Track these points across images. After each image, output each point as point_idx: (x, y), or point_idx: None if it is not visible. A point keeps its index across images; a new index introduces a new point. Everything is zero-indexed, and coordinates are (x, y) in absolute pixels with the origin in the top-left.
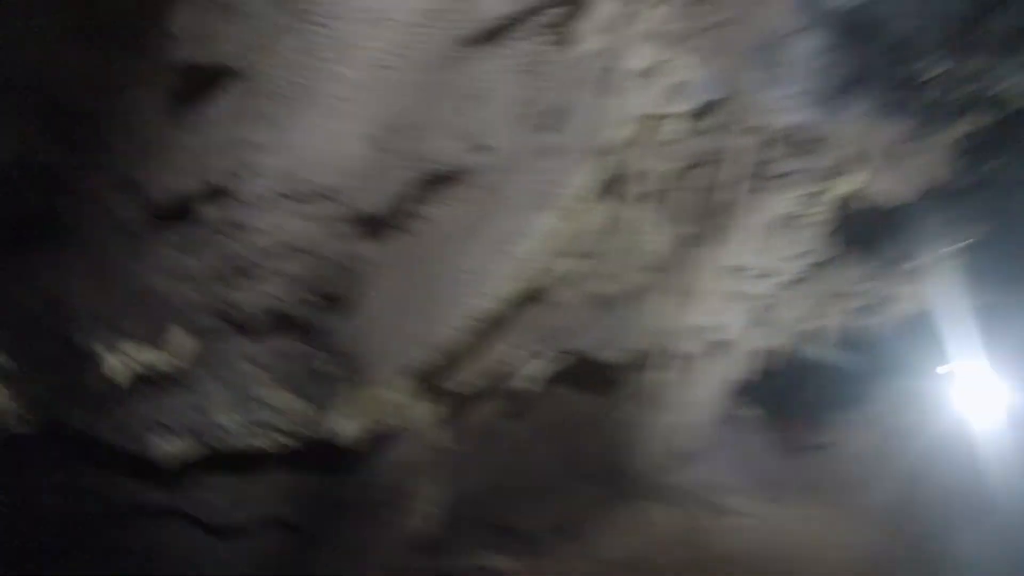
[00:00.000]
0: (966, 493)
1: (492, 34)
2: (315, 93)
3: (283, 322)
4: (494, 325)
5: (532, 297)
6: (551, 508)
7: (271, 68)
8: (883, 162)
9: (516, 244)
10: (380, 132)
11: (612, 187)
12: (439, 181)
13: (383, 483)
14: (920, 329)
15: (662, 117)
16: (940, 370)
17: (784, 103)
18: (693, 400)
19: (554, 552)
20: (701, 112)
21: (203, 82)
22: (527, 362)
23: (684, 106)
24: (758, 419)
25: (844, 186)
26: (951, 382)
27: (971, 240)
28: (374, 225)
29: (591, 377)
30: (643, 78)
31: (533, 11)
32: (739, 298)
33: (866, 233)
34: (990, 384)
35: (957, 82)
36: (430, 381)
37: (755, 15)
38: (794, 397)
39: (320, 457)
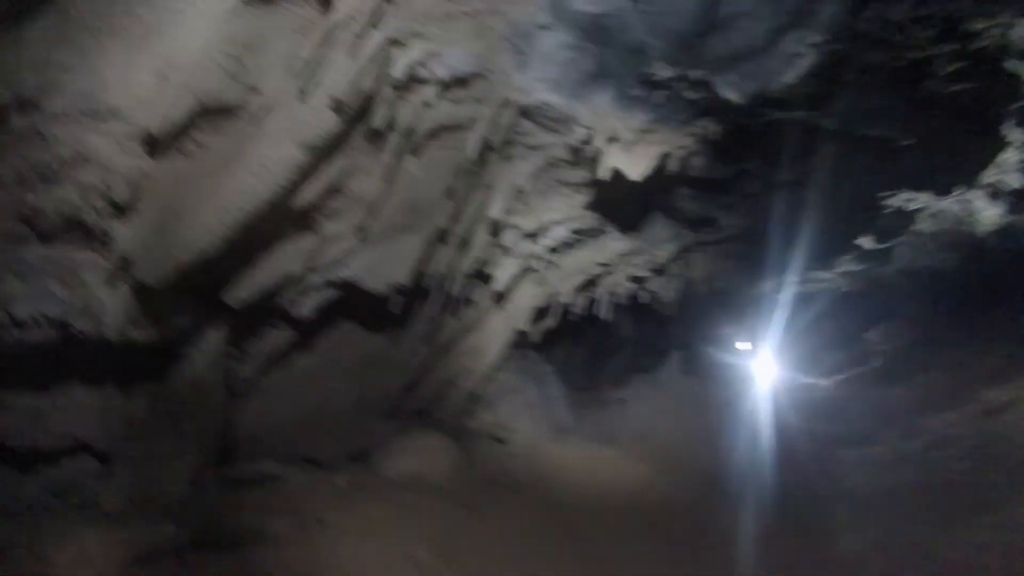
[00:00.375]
0: (731, 442)
1: None
2: (117, 28)
3: (75, 226)
4: (262, 242)
5: (297, 224)
6: (343, 438)
7: (83, 2)
8: (630, 145)
9: (277, 171)
10: (168, 68)
11: (372, 136)
12: (213, 113)
13: (179, 399)
14: (716, 303)
15: (418, 82)
16: (739, 345)
17: (534, 85)
18: (480, 346)
19: (341, 470)
20: (454, 83)
21: (22, 6)
22: (301, 287)
23: (437, 76)
24: (559, 374)
25: (598, 163)
26: (740, 354)
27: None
28: (157, 145)
29: (373, 313)
30: (396, 47)
31: None
32: (512, 254)
33: (627, 208)
34: (766, 358)
35: (684, 87)
36: (211, 295)
37: (508, 9)
38: (595, 358)
39: (119, 373)
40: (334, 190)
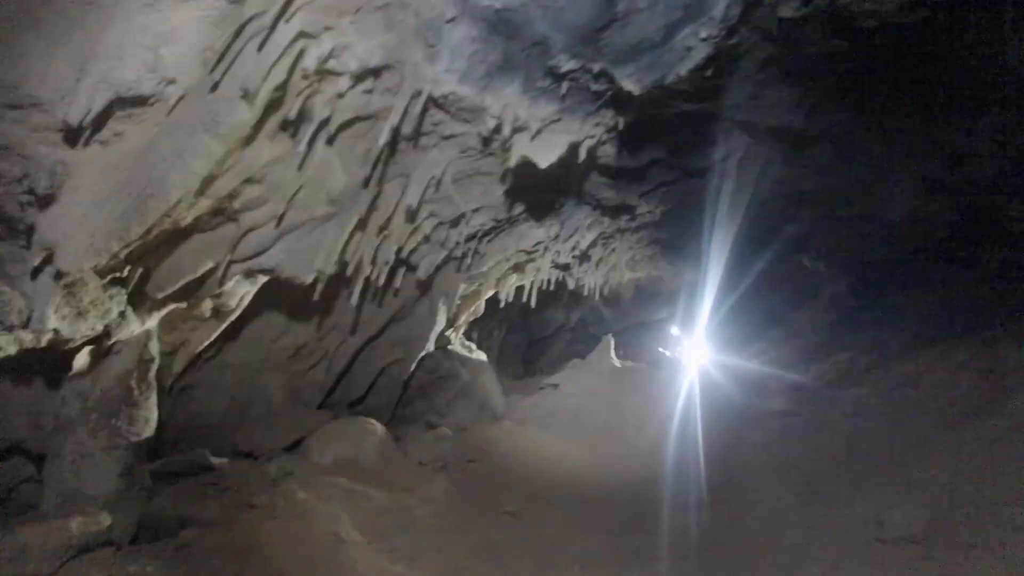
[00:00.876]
0: (663, 420)
1: None
2: (37, 22)
3: None
4: (183, 233)
5: (220, 214)
6: (276, 429)
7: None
8: (537, 134)
9: (192, 161)
10: (87, 59)
11: (287, 127)
12: (131, 103)
13: (110, 394)
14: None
15: (330, 74)
16: (671, 329)
17: (444, 76)
18: (409, 334)
19: (274, 460)
20: (366, 74)
21: None
22: (225, 276)
23: (349, 67)
24: (493, 361)
25: (507, 149)
26: (672, 337)
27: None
28: (76, 135)
29: (299, 304)
30: (308, 39)
31: None
32: (433, 242)
33: (545, 196)
34: (696, 340)
35: (588, 79)
36: (137, 287)
37: (416, 3)
38: (529, 344)
39: (48, 370)
40: (252, 180)
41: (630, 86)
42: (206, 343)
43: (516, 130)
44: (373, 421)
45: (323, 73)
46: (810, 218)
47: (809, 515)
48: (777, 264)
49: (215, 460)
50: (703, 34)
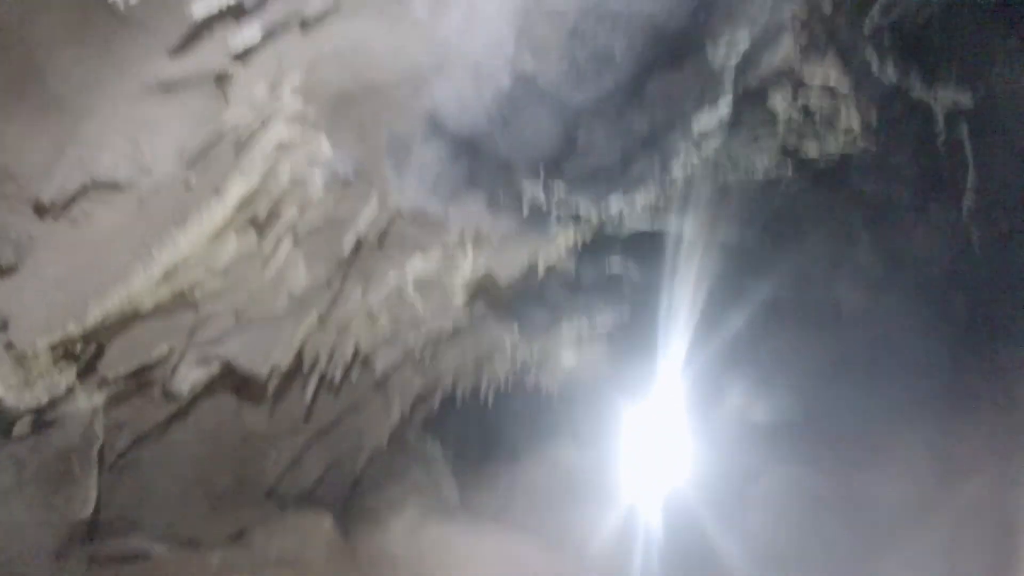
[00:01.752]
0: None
1: (167, 87)
2: (24, 95)
3: None
4: (141, 316)
5: (180, 301)
6: (221, 517)
7: None
8: (499, 249)
9: (160, 250)
10: (66, 140)
11: (256, 225)
12: (104, 187)
13: (48, 467)
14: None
15: (301, 182)
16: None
17: (411, 190)
18: (363, 428)
19: (216, 549)
20: (337, 184)
21: None
22: (179, 361)
23: (322, 177)
24: (450, 453)
25: (469, 262)
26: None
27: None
28: (46, 211)
29: (252, 392)
30: (284, 148)
31: (198, 78)
32: (392, 344)
33: (502, 303)
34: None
35: (549, 202)
36: (88, 363)
37: (390, 120)
38: (488, 436)
39: None
40: (215, 272)
41: (589, 212)
42: (154, 424)
43: (476, 243)
44: (322, 515)
45: (296, 181)
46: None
47: None
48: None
49: (153, 546)
50: (658, 164)
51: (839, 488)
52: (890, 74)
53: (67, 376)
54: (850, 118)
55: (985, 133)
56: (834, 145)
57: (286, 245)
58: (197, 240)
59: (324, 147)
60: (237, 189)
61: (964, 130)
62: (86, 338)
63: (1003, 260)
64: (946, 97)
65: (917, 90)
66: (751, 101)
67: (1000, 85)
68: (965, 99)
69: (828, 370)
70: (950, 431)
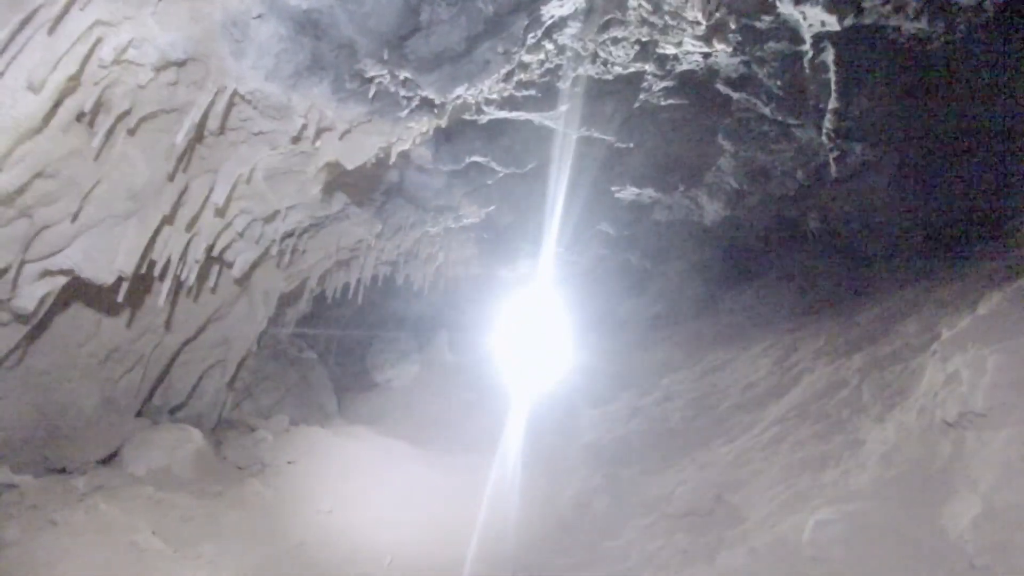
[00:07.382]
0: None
1: None
2: None
3: None
4: None
5: (8, 210)
6: (89, 440)
7: None
8: (345, 136)
9: None
10: None
11: (83, 120)
12: None
13: None
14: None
15: (131, 64)
16: (502, 324)
17: (250, 73)
18: (230, 335)
19: (84, 474)
20: (168, 66)
21: None
22: (18, 276)
23: (150, 59)
24: (323, 359)
25: (318, 150)
26: (504, 332)
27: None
28: None
29: (106, 303)
30: (105, 28)
31: None
32: (247, 239)
33: (366, 195)
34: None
35: (395, 84)
36: None
37: None
38: (362, 342)
39: None
40: (44, 175)
41: (433, 95)
42: (6, 351)
43: (321, 130)
44: (190, 428)
45: (122, 64)
46: (630, 221)
47: (614, 494)
48: (602, 261)
49: (17, 477)
50: (502, 48)
51: (696, 383)
52: None
53: None
54: (694, 9)
55: (852, 59)
56: (690, 43)
57: (120, 138)
58: (16, 139)
59: (150, 25)
60: (54, 76)
61: (831, 53)
62: None
63: (856, 185)
64: (814, 17)
65: (785, 3)
66: None
67: (870, 14)
68: (832, 21)
69: (691, 272)
70: (795, 332)
